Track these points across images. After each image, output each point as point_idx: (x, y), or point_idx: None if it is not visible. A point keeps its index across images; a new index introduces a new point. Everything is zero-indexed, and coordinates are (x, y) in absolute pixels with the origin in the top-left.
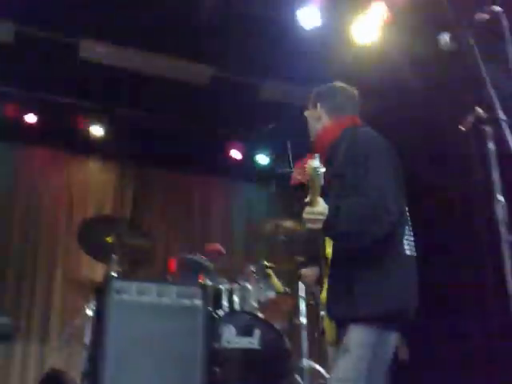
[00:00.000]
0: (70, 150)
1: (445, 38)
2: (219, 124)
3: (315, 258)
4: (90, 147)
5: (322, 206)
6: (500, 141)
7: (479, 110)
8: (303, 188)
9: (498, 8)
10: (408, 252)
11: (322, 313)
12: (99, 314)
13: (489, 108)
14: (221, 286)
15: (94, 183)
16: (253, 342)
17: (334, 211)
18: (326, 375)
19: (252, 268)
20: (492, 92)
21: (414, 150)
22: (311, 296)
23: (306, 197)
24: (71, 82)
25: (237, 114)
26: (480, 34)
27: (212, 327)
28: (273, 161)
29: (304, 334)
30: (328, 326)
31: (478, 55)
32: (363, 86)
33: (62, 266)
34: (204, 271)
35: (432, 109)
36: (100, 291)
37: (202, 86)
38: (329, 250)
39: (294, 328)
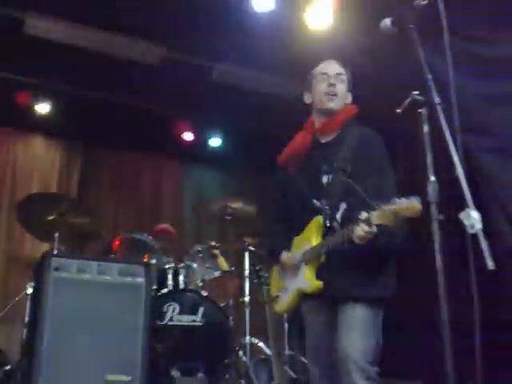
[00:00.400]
0: (16, 126)
1: (386, 22)
2: (169, 104)
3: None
4: (36, 124)
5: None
6: (435, 123)
7: (415, 94)
8: None
9: None
10: None
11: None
12: (37, 291)
13: (425, 91)
14: (166, 266)
15: (40, 161)
16: (196, 319)
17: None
18: (268, 351)
19: (199, 248)
20: (428, 76)
21: None
22: (255, 275)
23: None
24: (17, 57)
25: (187, 94)
26: (419, 19)
27: (155, 305)
28: (224, 142)
29: (247, 312)
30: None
31: (417, 39)
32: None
33: (3, 243)
34: (149, 250)
35: (378, 93)
36: (38, 269)
37: (152, 66)
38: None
39: (238, 306)
